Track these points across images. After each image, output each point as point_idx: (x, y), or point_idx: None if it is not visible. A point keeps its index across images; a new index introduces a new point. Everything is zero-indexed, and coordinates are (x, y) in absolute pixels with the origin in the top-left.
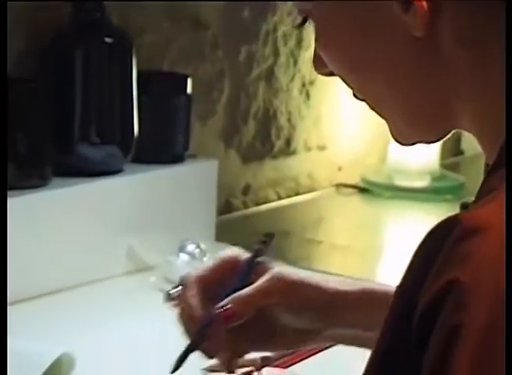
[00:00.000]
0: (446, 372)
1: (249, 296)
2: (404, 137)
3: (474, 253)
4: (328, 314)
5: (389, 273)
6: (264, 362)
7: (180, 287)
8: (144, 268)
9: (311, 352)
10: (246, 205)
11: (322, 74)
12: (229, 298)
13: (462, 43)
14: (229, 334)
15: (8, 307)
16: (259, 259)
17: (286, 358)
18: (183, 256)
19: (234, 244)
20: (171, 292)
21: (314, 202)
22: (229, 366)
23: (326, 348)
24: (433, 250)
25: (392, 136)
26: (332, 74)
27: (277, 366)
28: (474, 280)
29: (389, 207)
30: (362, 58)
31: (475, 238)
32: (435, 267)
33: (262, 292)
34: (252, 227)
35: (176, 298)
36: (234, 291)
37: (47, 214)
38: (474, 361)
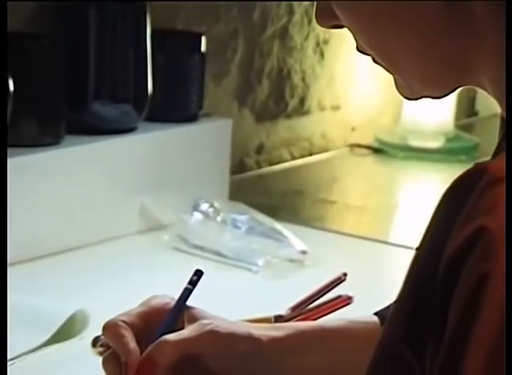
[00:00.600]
0: (475, 320)
1: (172, 344)
2: (413, 92)
3: (502, 201)
4: (260, 364)
5: (402, 232)
6: (278, 321)
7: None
8: (157, 227)
9: (326, 312)
10: (259, 165)
11: (325, 27)
12: (152, 346)
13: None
14: None
15: (22, 265)
16: (188, 305)
17: (300, 318)
18: (197, 215)
19: (247, 203)
20: (99, 337)
21: (328, 162)
22: None
23: (341, 307)
24: (460, 199)
25: (398, 90)
26: (335, 27)
27: None
28: (501, 229)
29: (403, 167)
30: (380, 7)
31: (503, 187)
32: (462, 216)
33: (187, 341)
34: (265, 187)
35: (105, 344)
36: (160, 336)
37: (60, 172)
38: (503, 308)
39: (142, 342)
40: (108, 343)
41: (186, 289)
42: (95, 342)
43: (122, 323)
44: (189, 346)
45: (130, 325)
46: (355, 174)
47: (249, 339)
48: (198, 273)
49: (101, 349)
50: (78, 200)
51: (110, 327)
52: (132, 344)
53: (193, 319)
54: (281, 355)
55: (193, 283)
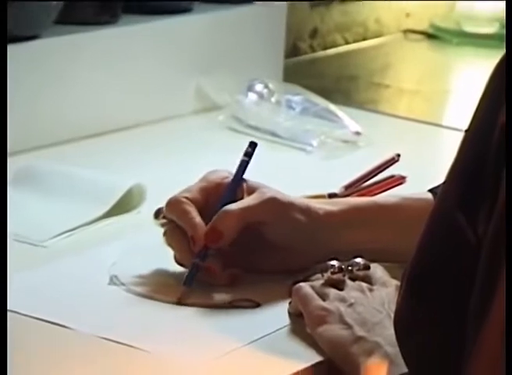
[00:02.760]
0: None
1: (235, 213)
2: None
3: None
4: (315, 236)
5: (454, 116)
6: (332, 199)
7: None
8: (212, 107)
9: (380, 190)
10: (313, 49)
11: None
12: (216, 216)
13: None
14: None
15: (81, 142)
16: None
17: (354, 196)
18: (252, 96)
19: (302, 85)
20: (161, 209)
21: (382, 48)
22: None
23: (394, 186)
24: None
25: None
26: None
27: None
28: None
29: (457, 53)
30: None
31: None
32: None
33: (249, 210)
34: (319, 71)
35: (166, 214)
36: (221, 208)
37: (116, 51)
38: None
39: (204, 217)
40: (172, 218)
41: (242, 161)
42: (158, 214)
43: (185, 199)
44: (250, 214)
45: (192, 201)
46: (409, 59)
47: (306, 210)
48: (252, 145)
49: (163, 221)
50: (134, 79)
51: (174, 204)
52: (197, 218)
53: (252, 190)
54: (335, 229)
55: (248, 154)
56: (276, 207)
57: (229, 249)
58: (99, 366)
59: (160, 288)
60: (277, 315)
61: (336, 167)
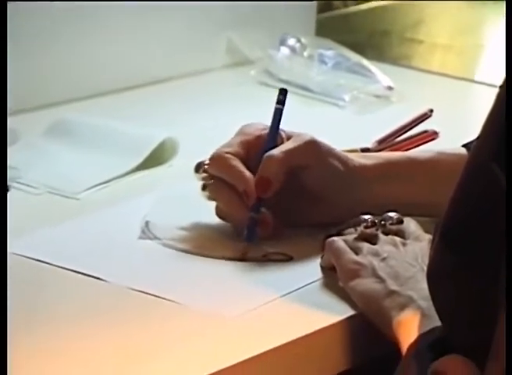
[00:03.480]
0: None
1: (279, 157)
2: None
3: None
4: (350, 186)
5: (487, 72)
6: (365, 153)
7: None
8: (244, 61)
9: (412, 145)
10: (346, 4)
11: None
12: (261, 165)
13: None
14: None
15: (115, 94)
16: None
17: (386, 150)
18: (284, 50)
19: (334, 40)
20: (202, 163)
21: (415, 3)
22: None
23: (427, 141)
24: None
25: None
26: None
27: None
28: None
29: (491, 8)
30: None
31: None
32: None
33: (292, 152)
34: (352, 26)
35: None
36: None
37: (148, 4)
38: None
39: (248, 169)
40: (217, 174)
41: (276, 109)
42: (198, 168)
43: (229, 155)
44: (293, 156)
45: (235, 155)
46: (442, 15)
47: (344, 159)
48: (283, 92)
49: (204, 175)
50: (166, 33)
51: (218, 159)
52: (247, 172)
53: (291, 136)
54: (369, 182)
55: (281, 102)
56: (317, 149)
57: (273, 200)
58: (130, 317)
59: (204, 243)
60: (310, 268)
61: (368, 122)
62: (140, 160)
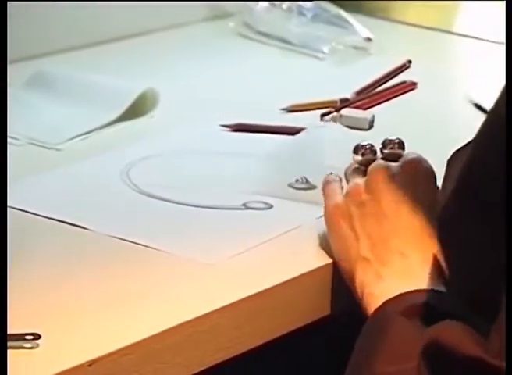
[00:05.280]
0: None
1: None
2: None
3: None
4: None
5: (465, 23)
6: (343, 104)
7: None
8: (223, 14)
9: (391, 96)
10: None
11: None
12: None
13: None
14: None
15: (94, 47)
16: None
17: (365, 101)
18: (263, 2)
19: None
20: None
21: None
22: None
23: (405, 92)
24: None
25: None
26: None
27: (357, 107)
28: None
29: None
30: None
31: None
32: None
33: None
34: None
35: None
36: None
37: None
38: None
39: None
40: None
41: None
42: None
43: None
44: None
45: None
46: None
47: None
48: None
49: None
50: None
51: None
52: None
53: None
54: None
55: None
56: None
57: None
58: (115, 266)
59: (186, 192)
60: (289, 216)
61: (347, 73)
62: (120, 111)
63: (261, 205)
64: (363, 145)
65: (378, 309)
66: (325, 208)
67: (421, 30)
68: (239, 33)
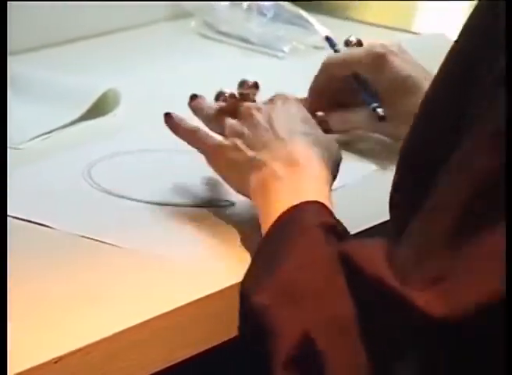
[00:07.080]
0: None
1: (343, 59)
2: None
3: None
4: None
5: (423, 22)
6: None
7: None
8: (183, 14)
9: None
10: None
11: None
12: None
13: None
14: None
15: (56, 47)
16: None
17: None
18: (223, 2)
19: None
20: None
21: None
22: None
23: None
24: None
25: None
26: None
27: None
28: None
29: None
30: None
31: None
32: None
33: (356, 58)
34: None
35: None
36: None
37: None
38: None
39: None
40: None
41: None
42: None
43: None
44: (354, 63)
45: None
46: None
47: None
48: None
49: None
50: None
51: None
52: None
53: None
54: None
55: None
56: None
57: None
58: (79, 264)
59: (145, 190)
60: (252, 213)
61: (307, 73)
62: (82, 111)
63: (224, 203)
64: (223, 92)
65: (287, 216)
66: (207, 149)
67: (379, 29)
68: (200, 33)
